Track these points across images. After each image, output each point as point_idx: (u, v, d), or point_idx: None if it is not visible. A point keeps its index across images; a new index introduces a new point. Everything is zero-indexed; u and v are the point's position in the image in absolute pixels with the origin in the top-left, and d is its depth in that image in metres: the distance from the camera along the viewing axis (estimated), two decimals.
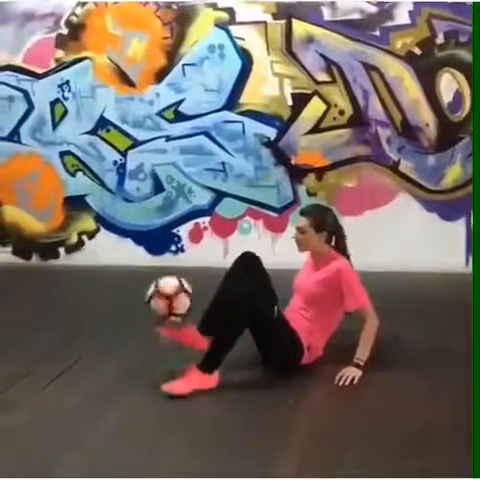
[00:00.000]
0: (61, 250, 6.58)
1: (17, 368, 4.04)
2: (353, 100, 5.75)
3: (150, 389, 3.69)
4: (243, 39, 5.85)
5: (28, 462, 3.06)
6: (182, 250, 6.28)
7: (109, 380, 3.87)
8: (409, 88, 5.66)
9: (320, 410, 3.51)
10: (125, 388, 3.75)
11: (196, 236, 6.25)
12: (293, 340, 3.82)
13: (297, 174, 5.98)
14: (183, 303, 3.77)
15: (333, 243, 4.03)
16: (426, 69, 5.60)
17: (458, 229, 5.71)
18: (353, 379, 3.70)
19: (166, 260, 6.22)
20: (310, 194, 5.96)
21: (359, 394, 3.61)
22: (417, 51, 5.59)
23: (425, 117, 5.67)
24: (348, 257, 4.03)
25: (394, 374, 3.81)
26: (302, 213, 4.00)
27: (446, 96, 5.60)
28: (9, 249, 6.68)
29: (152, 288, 3.79)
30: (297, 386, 3.70)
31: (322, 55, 5.74)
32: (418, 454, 2.98)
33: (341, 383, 3.69)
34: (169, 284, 3.79)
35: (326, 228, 3.94)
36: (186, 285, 3.81)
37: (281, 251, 5.97)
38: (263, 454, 3.03)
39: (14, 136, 6.44)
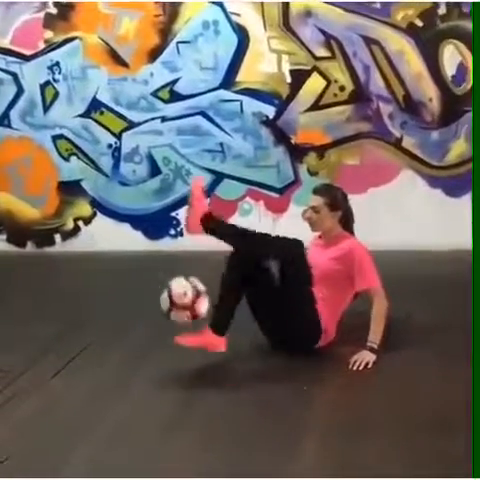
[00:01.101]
0: (57, 237, 6.49)
1: (18, 361, 3.96)
2: (354, 75, 5.67)
3: (158, 379, 3.65)
4: (238, 15, 5.74)
5: (35, 455, 3.02)
6: (181, 234, 6.19)
7: (114, 371, 3.81)
8: (411, 61, 5.58)
9: (336, 398, 3.45)
10: (131, 379, 3.69)
11: None
12: (315, 319, 3.77)
13: (297, 153, 5.90)
14: (204, 305, 3.64)
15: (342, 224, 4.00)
16: (428, 41, 5.51)
17: (464, 205, 5.62)
18: (367, 363, 3.65)
19: (165, 244, 6.16)
20: (311, 173, 5.89)
21: (375, 378, 3.57)
22: (419, 23, 5.49)
23: (428, 91, 5.59)
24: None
25: (405, 355, 3.78)
26: (315, 192, 3.98)
27: (449, 69, 5.52)
28: (3, 237, 6.59)
29: (166, 300, 3.61)
30: (309, 372, 3.65)
31: (321, 29, 5.64)
32: (436, 440, 2.94)
33: (355, 368, 3.64)
34: (182, 292, 3.61)
35: (340, 207, 3.94)
36: (199, 286, 3.67)
37: (283, 232, 5.82)
38: (278, 447, 2.98)
39: (4, 120, 6.32)
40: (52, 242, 6.51)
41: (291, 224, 5.88)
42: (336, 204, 3.92)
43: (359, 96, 5.69)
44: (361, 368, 3.64)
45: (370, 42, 5.60)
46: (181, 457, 2.95)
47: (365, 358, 3.67)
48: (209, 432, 3.16)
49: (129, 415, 3.34)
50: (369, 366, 3.65)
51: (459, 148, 5.63)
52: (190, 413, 3.33)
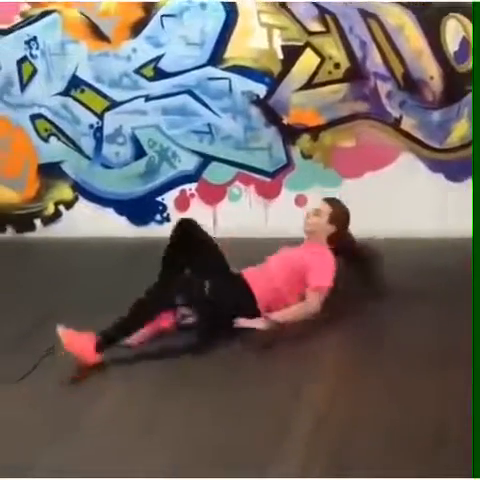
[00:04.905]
0: (37, 222, 6.43)
1: None
2: (349, 52, 5.51)
3: (139, 378, 3.63)
4: None
5: (4, 461, 3.00)
6: (168, 219, 6.10)
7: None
8: (411, 37, 5.41)
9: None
10: (107, 379, 3.67)
11: (182, 204, 6.08)
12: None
13: (290, 134, 5.77)
14: None
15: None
16: (430, 15, 5.34)
17: (466, 190, 5.49)
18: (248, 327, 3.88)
19: (151, 231, 6.08)
20: (305, 156, 5.78)
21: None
22: None
23: (429, 69, 5.43)
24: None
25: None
26: (326, 200, 4.40)
27: (452, 45, 5.35)
28: None
29: None
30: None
31: (314, 2, 5.47)
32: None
33: (235, 325, 3.89)
34: None
35: (337, 224, 4.30)
36: None
37: (275, 218, 5.91)
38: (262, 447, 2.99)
39: None
40: (32, 227, 6.44)
41: (283, 209, 5.88)
42: (336, 219, 4.30)
43: (355, 74, 5.55)
44: (237, 326, 3.87)
45: (367, 16, 5.43)
46: (158, 461, 2.94)
47: (252, 322, 3.88)
48: (189, 432, 3.15)
49: (108, 417, 3.31)
50: (248, 327, 3.86)
51: (462, 129, 5.49)
52: (173, 415, 3.29)
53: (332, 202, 4.37)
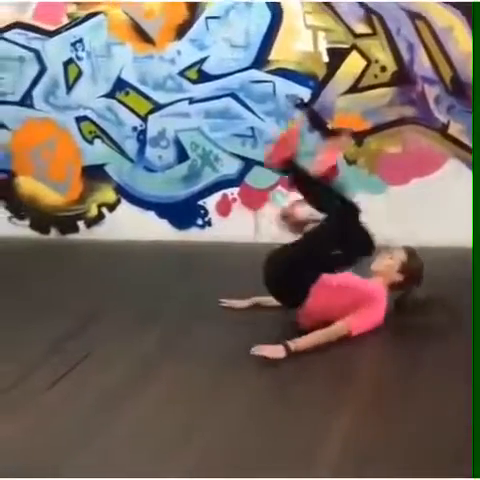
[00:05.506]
0: (80, 223, 6.46)
1: (26, 361, 3.89)
2: (396, 54, 5.42)
3: (170, 388, 3.54)
4: None
5: (31, 469, 2.92)
6: (209, 224, 6.07)
7: (125, 376, 3.70)
8: (460, 39, 5.28)
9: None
10: (143, 386, 3.59)
11: (224, 208, 6.04)
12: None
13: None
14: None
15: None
16: None
17: None
18: (266, 356, 3.63)
19: (192, 235, 6.06)
20: (349, 161, 5.68)
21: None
22: None
23: None
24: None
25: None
26: (404, 248, 4.22)
27: None
28: (26, 223, 6.58)
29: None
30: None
31: (361, 3, 5.39)
32: None
33: (251, 353, 3.64)
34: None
35: (406, 274, 4.13)
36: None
37: None
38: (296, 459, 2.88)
39: (27, 100, 6.27)
40: (76, 229, 6.48)
41: None
42: (406, 270, 4.12)
43: (402, 78, 5.45)
44: (255, 354, 3.62)
45: (415, 17, 5.34)
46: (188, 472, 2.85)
47: (269, 352, 3.65)
48: (223, 447, 3.04)
49: (137, 427, 3.22)
50: (266, 357, 3.62)
51: None
52: (205, 427, 3.20)
53: (410, 252, 4.20)
